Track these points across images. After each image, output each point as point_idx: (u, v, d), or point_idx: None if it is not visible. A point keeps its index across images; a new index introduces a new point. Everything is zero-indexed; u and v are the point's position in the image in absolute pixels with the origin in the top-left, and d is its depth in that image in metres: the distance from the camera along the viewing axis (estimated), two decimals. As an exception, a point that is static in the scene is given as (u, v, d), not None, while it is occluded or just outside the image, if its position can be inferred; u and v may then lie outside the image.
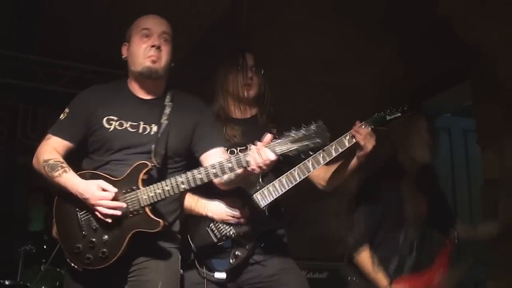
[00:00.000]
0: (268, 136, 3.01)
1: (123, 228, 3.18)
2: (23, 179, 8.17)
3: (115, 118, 3.38)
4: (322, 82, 6.77)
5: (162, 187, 3.16)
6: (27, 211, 7.31)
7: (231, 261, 3.50)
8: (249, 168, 3.03)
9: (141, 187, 3.19)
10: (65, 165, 3.32)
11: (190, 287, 3.58)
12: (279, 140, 2.98)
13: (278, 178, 3.53)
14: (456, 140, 7.31)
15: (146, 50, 3.36)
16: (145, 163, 3.23)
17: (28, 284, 5.98)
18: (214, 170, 3.09)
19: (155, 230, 3.15)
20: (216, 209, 3.50)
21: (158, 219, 3.16)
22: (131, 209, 3.17)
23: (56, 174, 3.27)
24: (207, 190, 3.50)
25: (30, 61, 7.74)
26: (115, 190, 3.18)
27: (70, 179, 3.26)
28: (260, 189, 3.55)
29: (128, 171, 3.24)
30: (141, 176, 3.21)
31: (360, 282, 4.07)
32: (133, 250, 3.22)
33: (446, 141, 7.27)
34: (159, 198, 3.17)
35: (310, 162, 3.47)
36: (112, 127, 3.36)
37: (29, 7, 6.62)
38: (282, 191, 3.52)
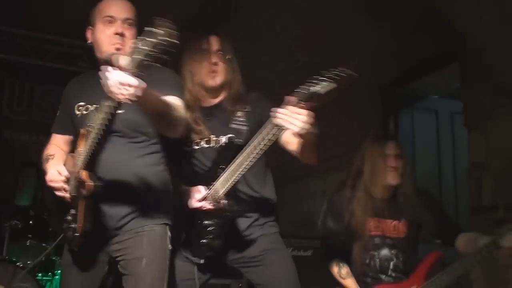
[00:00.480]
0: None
1: (78, 199, 3.19)
2: (9, 154, 8.18)
3: (83, 104, 3.39)
4: (310, 62, 6.76)
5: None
6: (17, 186, 7.28)
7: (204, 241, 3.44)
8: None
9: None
10: (51, 156, 3.41)
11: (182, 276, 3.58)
12: None
13: (229, 166, 3.35)
14: (443, 122, 7.32)
15: (110, 37, 3.29)
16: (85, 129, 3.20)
17: (14, 259, 5.98)
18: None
19: (87, 193, 3.12)
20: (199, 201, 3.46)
21: (89, 183, 3.10)
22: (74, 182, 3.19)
23: (45, 165, 3.38)
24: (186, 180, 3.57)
25: (16, 35, 7.70)
26: (65, 173, 3.21)
27: (47, 168, 3.34)
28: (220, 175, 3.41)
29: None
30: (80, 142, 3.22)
31: None
32: (102, 221, 3.26)
33: (433, 123, 7.28)
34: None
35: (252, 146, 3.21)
36: (80, 112, 3.39)
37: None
38: (234, 180, 3.33)
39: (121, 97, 2.70)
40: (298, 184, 7.37)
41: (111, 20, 3.31)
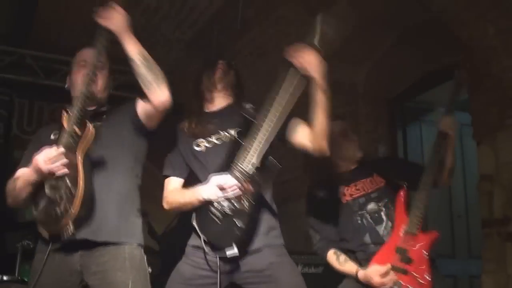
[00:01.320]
0: None
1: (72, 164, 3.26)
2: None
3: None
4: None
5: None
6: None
7: (236, 232, 3.39)
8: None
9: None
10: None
11: (185, 282, 3.57)
12: None
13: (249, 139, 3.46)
14: (451, 134, 7.31)
15: (83, 77, 3.52)
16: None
17: (26, 279, 5.98)
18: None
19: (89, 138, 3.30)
20: (209, 188, 3.45)
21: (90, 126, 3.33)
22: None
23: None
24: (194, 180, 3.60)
25: (25, 55, 7.74)
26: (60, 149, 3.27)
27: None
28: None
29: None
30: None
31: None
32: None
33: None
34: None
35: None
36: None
37: (24, 2, 6.62)
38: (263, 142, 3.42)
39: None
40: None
41: (84, 64, 3.67)
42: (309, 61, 3.34)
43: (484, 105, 5.27)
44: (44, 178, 3.28)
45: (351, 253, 4.12)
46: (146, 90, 3.38)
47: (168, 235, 7.01)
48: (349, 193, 4.23)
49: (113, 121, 3.63)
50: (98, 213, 3.34)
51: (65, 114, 3.42)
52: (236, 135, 3.57)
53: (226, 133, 3.65)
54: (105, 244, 3.34)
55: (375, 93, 6.77)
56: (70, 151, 3.25)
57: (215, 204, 3.44)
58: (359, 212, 4.16)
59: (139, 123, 3.59)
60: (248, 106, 3.69)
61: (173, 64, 6.80)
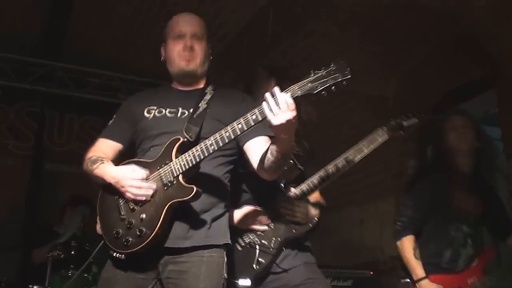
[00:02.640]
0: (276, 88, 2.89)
1: (159, 203, 3.15)
2: (50, 185, 8.26)
3: (155, 107, 3.46)
4: (346, 90, 6.76)
5: (192, 152, 3.12)
6: (62, 218, 7.25)
7: (255, 267, 3.49)
8: (271, 121, 2.86)
9: (173, 159, 3.18)
10: (105, 159, 3.37)
11: None
12: (298, 83, 2.90)
13: (299, 186, 3.55)
14: (481, 149, 7.26)
15: (180, 52, 3.44)
16: (177, 137, 3.24)
17: (55, 290, 6.02)
18: (239, 126, 2.97)
19: (188, 197, 3.08)
20: (239, 217, 3.53)
21: (191, 185, 3.09)
22: (165, 181, 3.16)
23: (95, 166, 3.32)
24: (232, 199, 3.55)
25: (56, 68, 7.82)
26: (145, 171, 3.19)
27: (105, 168, 3.30)
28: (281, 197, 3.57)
29: (162, 150, 3.25)
30: (174, 150, 3.20)
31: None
32: (172, 234, 3.20)
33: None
34: (190, 164, 3.12)
35: (349, 153, 3.51)
36: (152, 115, 3.44)
37: (56, 16, 6.70)
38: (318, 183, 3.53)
39: (281, 122, 2.84)
40: (336, 213, 7.34)
41: (180, 36, 3.46)
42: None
43: (514, 119, 5.24)
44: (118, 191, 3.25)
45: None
46: (261, 169, 3.23)
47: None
48: (463, 200, 4.23)
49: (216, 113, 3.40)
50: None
51: (179, 143, 3.22)
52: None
53: None
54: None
55: (405, 106, 6.75)
56: (159, 188, 3.18)
57: (240, 232, 3.55)
58: (458, 224, 4.19)
59: (236, 152, 3.45)
60: None
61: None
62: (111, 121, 3.59)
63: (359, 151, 3.52)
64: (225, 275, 3.27)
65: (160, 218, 3.12)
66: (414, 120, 3.55)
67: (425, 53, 6.05)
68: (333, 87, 2.94)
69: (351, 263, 4.61)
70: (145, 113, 3.45)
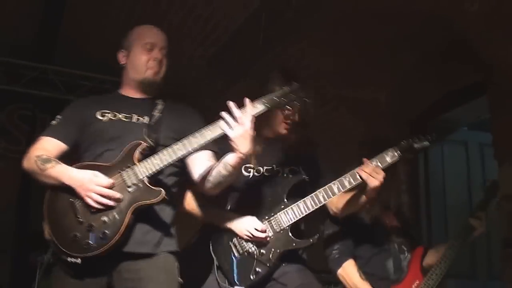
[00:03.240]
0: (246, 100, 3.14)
1: (122, 205, 3.15)
2: (41, 188, 8.22)
3: (108, 111, 3.48)
4: (338, 95, 6.78)
5: (159, 156, 3.20)
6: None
7: (251, 277, 3.50)
8: (229, 134, 3.11)
9: (136, 163, 3.22)
10: (57, 160, 3.32)
11: None
12: (262, 97, 3.18)
13: (303, 199, 3.57)
14: (472, 154, 7.28)
15: (148, 62, 3.52)
16: (138, 141, 3.29)
17: (44, 294, 5.99)
18: (209, 132, 3.16)
19: (156, 199, 3.15)
20: (240, 226, 3.55)
21: (159, 188, 3.17)
22: (129, 184, 3.17)
23: (49, 165, 3.26)
24: (231, 202, 3.70)
25: (48, 71, 7.79)
26: (109, 179, 3.17)
27: (63, 169, 3.26)
28: (284, 208, 3.58)
29: (122, 153, 3.28)
30: (136, 154, 3.25)
31: None
32: (131, 239, 3.21)
33: (463, 155, 7.25)
34: (157, 167, 3.20)
35: (336, 186, 3.52)
36: (106, 118, 3.46)
37: (48, 19, 6.68)
38: (305, 212, 3.56)
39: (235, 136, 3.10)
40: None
41: (151, 47, 3.54)
42: (378, 180, 3.43)
43: (506, 125, 5.24)
44: (73, 193, 3.21)
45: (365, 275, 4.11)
46: (207, 182, 3.35)
47: (188, 251, 7.01)
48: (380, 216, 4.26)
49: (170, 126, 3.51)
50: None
51: (141, 147, 3.29)
52: (290, 174, 3.80)
53: (279, 169, 3.81)
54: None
55: (397, 112, 6.76)
56: (122, 192, 3.18)
57: (239, 238, 3.58)
58: (387, 237, 4.21)
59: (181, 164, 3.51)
60: None
61: (194, 81, 6.83)
62: (55, 121, 3.55)
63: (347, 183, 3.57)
64: (180, 279, 3.36)
65: (124, 220, 3.13)
66: (426, 144, 3.56)
67: (417, 58, 6.06)
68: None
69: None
70: (98, 116, 3.47)
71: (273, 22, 5.85)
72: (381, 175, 3.39)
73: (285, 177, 3.74)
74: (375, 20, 5.54)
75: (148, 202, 3.16)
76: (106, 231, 3.11)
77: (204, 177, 3.37)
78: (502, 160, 5.35)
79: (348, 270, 4.08)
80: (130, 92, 3.62)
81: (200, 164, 3.42)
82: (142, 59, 3.52)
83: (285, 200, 3.62)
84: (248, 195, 3.72)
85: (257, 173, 3.74)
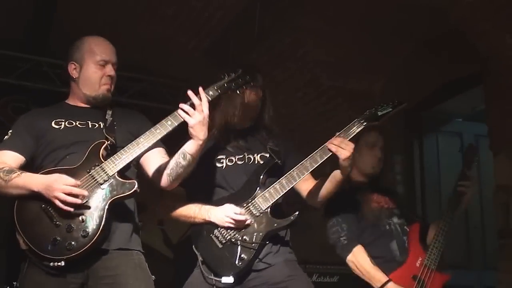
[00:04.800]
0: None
1: (98, 202, 3.17)
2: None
3: (63, 120, 3.49)
4: (333, 86, 6.77)
5: (125, 150, 3.26)
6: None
7: (237, 263, 3.48)
8: (188, 121, 3.21)
9: (103, 161, 3.25)
10: (21, 170, 3.29)
11: None
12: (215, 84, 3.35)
13: (278, 180, 3.56)
14: (467, 145, 7.27)
15: (101, 79, 3.54)
16: (101, 141, 3.34)
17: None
18: (169, 122, 3.26)
19: (131, 191, 3.20)
20: (219, 214, 3.54)
21: (132, 180, 3.24)
22: (100, 181, 3.19)
23: (15, 175, 3.22)
24: (207, 196, 3.67)
25: (42, 63, 7.77)
26: (74, 180, 3.15)
27: (29, 177, 3.23)
28: (260, 192, 3.58)
29: (86, 155, 3.29)
30: (101, 152, 3.29)
31: None
32: (110, 238, 3.26)
33: (458, 146, 7.24)
34: (127, 161, 3.25)
35: (308, 162, 3.53)
36: (62, 125, 3.47)
37: (41, 10, 6.66)
38: (282, 192, 3.54)
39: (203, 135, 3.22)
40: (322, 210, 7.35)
41: (104, 64, 3.55)
42: (347, 151, 3.44)
43: (501, 116, 5.24)
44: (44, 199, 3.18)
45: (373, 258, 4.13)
46: (166, 177, 3.39)
47: (183, 244, 7.00)
48: (376, 200, 4.32)
49: (124, 130, 3.55)
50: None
51: (105, 146, 3.33)
52: (264, 160, 3.76)
53: (252, 157, 3.81)
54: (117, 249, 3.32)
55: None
56: (95, 190, 3.20)
57: (220, 228, 3.56)
58: (387, 220, 4.26)
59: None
60: None
61: (189, 72, 6.82)
62: (8, 136, 3.50)
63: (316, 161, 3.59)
64: (153, 276, 3.41)
65: (103, 216, 3.15)
66: (389, 110, 3.59)
67: (412, 49, 6.05)
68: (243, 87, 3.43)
69: (338, 260, 4.59)
70: (53, 125, 3.47)
71: (268, 13, 5.84)
72: (350, 146, 3.42)
73: (257, 163, 3.73)
74: (371, 11, 5.53)
75: (123, 195, 3.21)
76: (87, 229, 3.12)
77: (161, 172, 3.42)
78: (497, 151, 5.36)
79: (359, 256, 4.10)
80: (77, 102, 3.64)
81: (154, 161, 3.47)
82: (96, 76, 3.54)
83: (260, 185, 3.61)
84: (223, 186, 3.72)
85: (229, 163, 3.74)
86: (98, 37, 3.68)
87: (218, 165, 3.74)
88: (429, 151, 7.10)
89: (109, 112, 3.58)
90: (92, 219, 3.14)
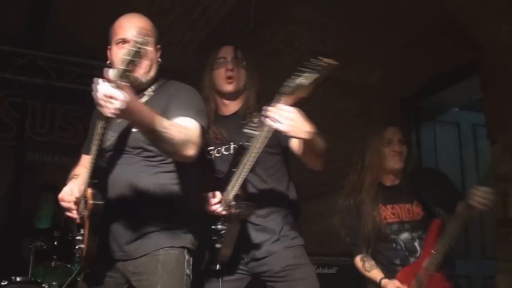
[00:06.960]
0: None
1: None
2: (32, 175, 8.23)
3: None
4: (329, 76, 6.75)
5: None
6: (38, 208, 7.30)
7: (217, 246, 3.48)
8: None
9: None
10: (76, 176, 3.35)
11: None
12: None
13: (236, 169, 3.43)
14: (465, 134, 7.28)
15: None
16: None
17: (39, 280, 6.00)
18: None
19: (88, 212, 3.11)
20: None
21: (90, 201, 3.10)
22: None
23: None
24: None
25: (38, 57, 7.76)
26: (76, 193, 3.20)
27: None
28: (232, 179, 3.44)
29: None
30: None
31: None
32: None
33: (455, 136, 7.24)
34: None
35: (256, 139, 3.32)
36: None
37: (37, 4, 6.63)
38: (247, 170, 3.37)
39: (106, 110, 2.69)
40: (322, 200, 7.33)
41: (123, 42, 3.28)
42: (286, 118, 3.07)
43: (498, 105, 5.23)
44: None
45: (379, 263, 4.17)
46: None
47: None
48: (384, 215, 4.25)
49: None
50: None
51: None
52: (237, 148, 3.65)
53: (234, 146, 3.72)
54: None
55: (389, 93, 6.75)
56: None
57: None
58: (392, 237, 4.20)
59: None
60: None
61: (185, 65, 6.80)
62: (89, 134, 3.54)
63: None
64: (187, 271, 3.26)
65: (86, 234, 3.19)
66: (313, 75, 3.14)
67: (409, 39, 6.04)
68: None
69: (336, 251, 4.60)
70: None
71: (264, 4, 5.82)
72: (288, 111, 3.05)
73: (232, 153, 3.67)
74: (367, 1, 5.51)
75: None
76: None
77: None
78: (494, 140, 5.35)
79: (357, 266, 4.24)
80: None
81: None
82: (116, 59, 3.26)
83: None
84: (212, 177, 3.72)
85: (217, 154, 3.73)
86: (126, 15, 3.42)
87: (208, 157, 3.74)
88: (426, 141, 7.10)
89: (144, 99, 3.33)
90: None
